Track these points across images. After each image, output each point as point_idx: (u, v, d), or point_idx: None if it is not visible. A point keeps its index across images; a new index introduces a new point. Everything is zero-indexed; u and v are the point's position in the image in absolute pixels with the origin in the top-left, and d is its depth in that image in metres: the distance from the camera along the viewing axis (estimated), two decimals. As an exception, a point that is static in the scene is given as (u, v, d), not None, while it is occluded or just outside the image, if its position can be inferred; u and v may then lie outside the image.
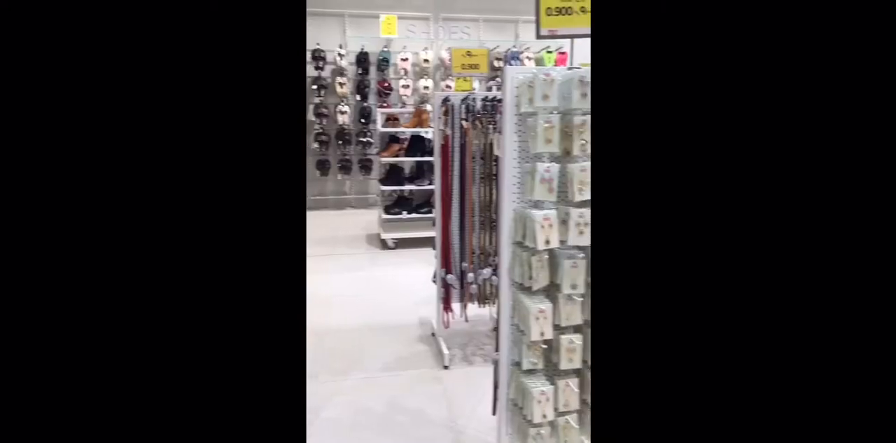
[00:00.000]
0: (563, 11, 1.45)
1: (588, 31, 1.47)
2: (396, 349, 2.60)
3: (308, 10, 4.68)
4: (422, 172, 4.50)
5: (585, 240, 1.37)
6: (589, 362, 1.42)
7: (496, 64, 5.66)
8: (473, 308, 2.57)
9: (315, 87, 5.41)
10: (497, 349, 1.53)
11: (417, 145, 4.44)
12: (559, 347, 1.41)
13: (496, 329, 1.56)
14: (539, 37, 1.50)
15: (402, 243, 4.37)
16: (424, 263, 3.52)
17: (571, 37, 1.51)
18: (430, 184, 4.19)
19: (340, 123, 5.51)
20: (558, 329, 1.42)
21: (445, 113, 2.49)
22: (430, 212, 4.15)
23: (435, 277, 2.67)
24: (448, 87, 5.53)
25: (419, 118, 4.45)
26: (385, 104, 5.55)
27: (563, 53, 5.78)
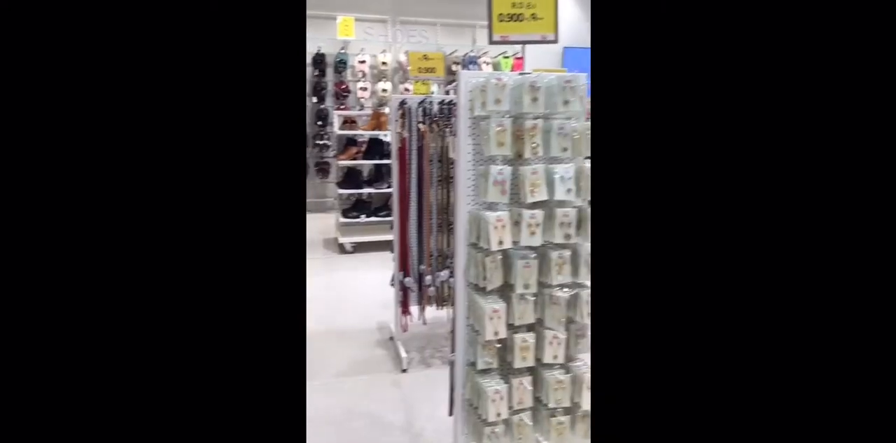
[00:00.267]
0: (514, 18, 1.48)
1: (538, 37, 1.51)
2: (354, 354, 2.57)
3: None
4: (380, 175, 4.48)
5: (537, 240, 1.40)
6: (542, 360, 1.46)
7: (454, 68, 5.71)
8: (432, 311, 2.57)
9: (270, 88, 5.28)
10: (453, 350, 1.54)
11: (375, 148, 4.41)
12: (513, 345, 1.43)
13: (453, 331, 1.57)
14: (492, 42, 1.53)
15: (360, 247, 4.32)
16: (382, 267, 3.49)
17: (523, 43, 1.55)
18: (388, 187, 4.18)
19: (297, 124, 5.40)
20: (512, 328, 1.44)
21: (402, 116, 2.49)
22: (388, 215, 4.14)
23: (393, 280, 2.65)
24: (407, 90, 5.53)
25: (377, 121, 4.43)
26: (342, 107, 5.49)
27: (519, 59, 5.90)
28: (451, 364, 1.57)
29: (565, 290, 1.45)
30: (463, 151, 1.45)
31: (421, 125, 2.45)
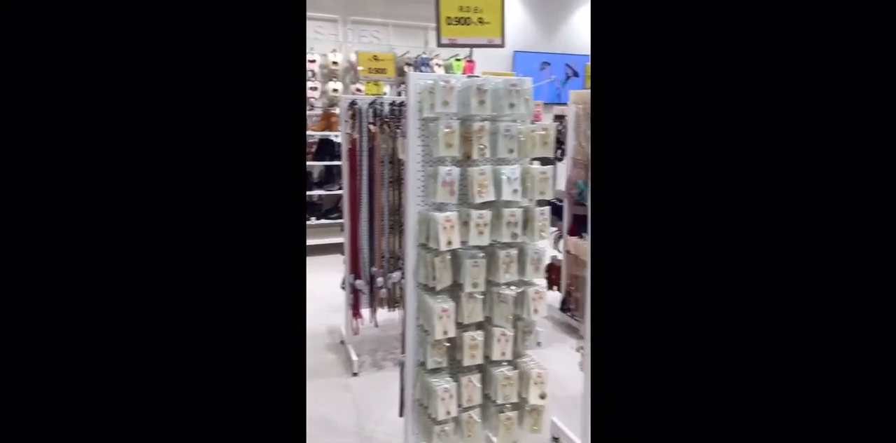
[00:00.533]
0: (462, 21, 1.51)
1: (485, 41, 1.55)
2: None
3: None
4: (331, 176, 4.41)
5: (485, 240, 1.43)
6: (491, 357, 1.48)
7: (407, 69, 5.71)
8: (384, 313, 2.56)
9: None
10: (403, 351, 1.54)
11: (326, 149, 4.34)
12: (462, 344, 1.45)
13: (404, 332, 1.57)
14: (440, 45, 1.54)
15: (310, 250, 4.22)
16: (333, 270, 3.43)
17: (470, 46, 1.58)
18: (339, 188, 4.12)
19: (243, 124, 5.23)
20: (461, 327, 1.46)
21: (353, 116, 2.47)
22: (339, 218, 4.07)
23: (344, 283, 2.62)
24: (359, 90, 5.47)
25: (327, 121, 4.36)
26: (292, 106, 5.35)
27: (471, 61, 5.98)
28: (402, 365, 1.57)
29: (513, 288, 1.48)
30: (412, 152, 1.46)
31: (372, 126, 2.44)
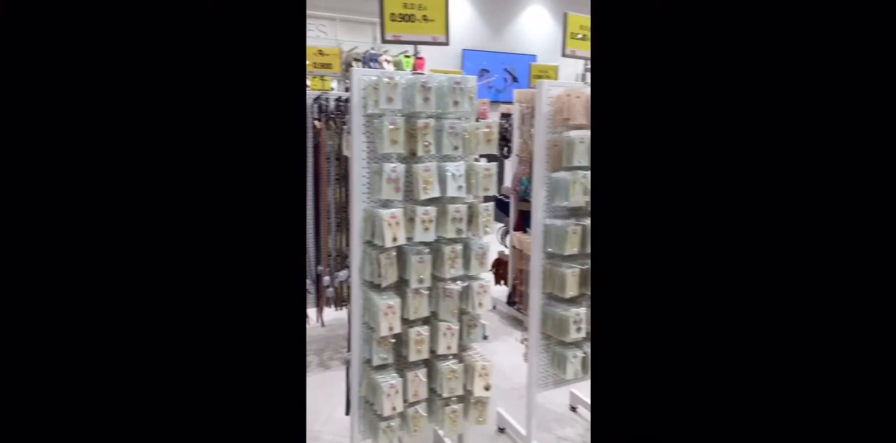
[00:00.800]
0: (406, 18, 1.51)
1: (429, 38, 1.55)
2: (247, 360, 2.43)
3: None
4: (276, 172, 4.28)
5: (430, 236, 1.44)
6: (437, 352, 1.50)
7: (355, 65, 5.63)
8: (331, 312, 2.52)
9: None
10: (349, 349, 1.53)
11: (271, 144, 4.21)
12: (408, 339, 1.46)
13: (350, 330, 1.56)
14: (384, 41, 1.54)
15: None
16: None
17: (414, 43, 1.58)
18: (285, 185, 4.00)
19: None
20: (407, 323, 1.47)
21: (297, 111, 2.41)
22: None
23: (289, 281, 2.56)
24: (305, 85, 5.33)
25: (272, 116, 4.22)
26: (234, 99, 5.15)
27: (420, 58, 5.97)
28: (348, 363, 1.56)
29: (458, 283, 1.51)
30: (357, 148, 1.45)
31: (317, 122, 2.39)
